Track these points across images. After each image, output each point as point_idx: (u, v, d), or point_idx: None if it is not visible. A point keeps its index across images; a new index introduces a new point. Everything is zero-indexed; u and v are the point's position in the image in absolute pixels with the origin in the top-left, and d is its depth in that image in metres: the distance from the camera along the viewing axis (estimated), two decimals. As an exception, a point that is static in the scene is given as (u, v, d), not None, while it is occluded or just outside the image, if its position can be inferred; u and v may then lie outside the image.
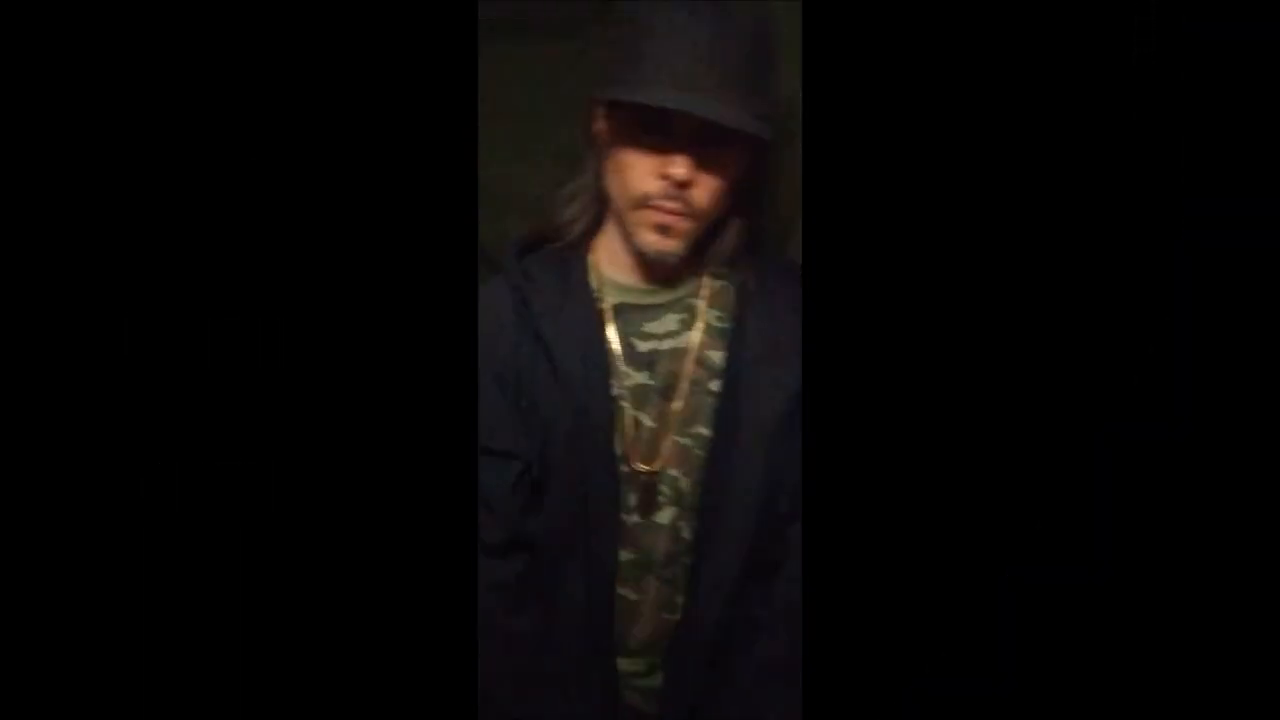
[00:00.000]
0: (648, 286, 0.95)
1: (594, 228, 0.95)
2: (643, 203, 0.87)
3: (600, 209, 0.94)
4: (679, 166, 0.85)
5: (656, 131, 0.85)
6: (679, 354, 0.93)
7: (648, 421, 0.91)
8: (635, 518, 0.91)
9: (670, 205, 0.87)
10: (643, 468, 0.91)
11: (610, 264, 0.95)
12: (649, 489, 0.91)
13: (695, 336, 0.93)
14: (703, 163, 0.86)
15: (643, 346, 0.93)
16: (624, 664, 0.93)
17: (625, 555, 0.91)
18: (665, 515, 0.92)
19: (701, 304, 0.94)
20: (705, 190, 0.87)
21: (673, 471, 0.91)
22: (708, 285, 0.95)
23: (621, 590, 0.91)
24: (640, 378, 0.92)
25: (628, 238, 0.91)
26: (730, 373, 0.92)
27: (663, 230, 0.88)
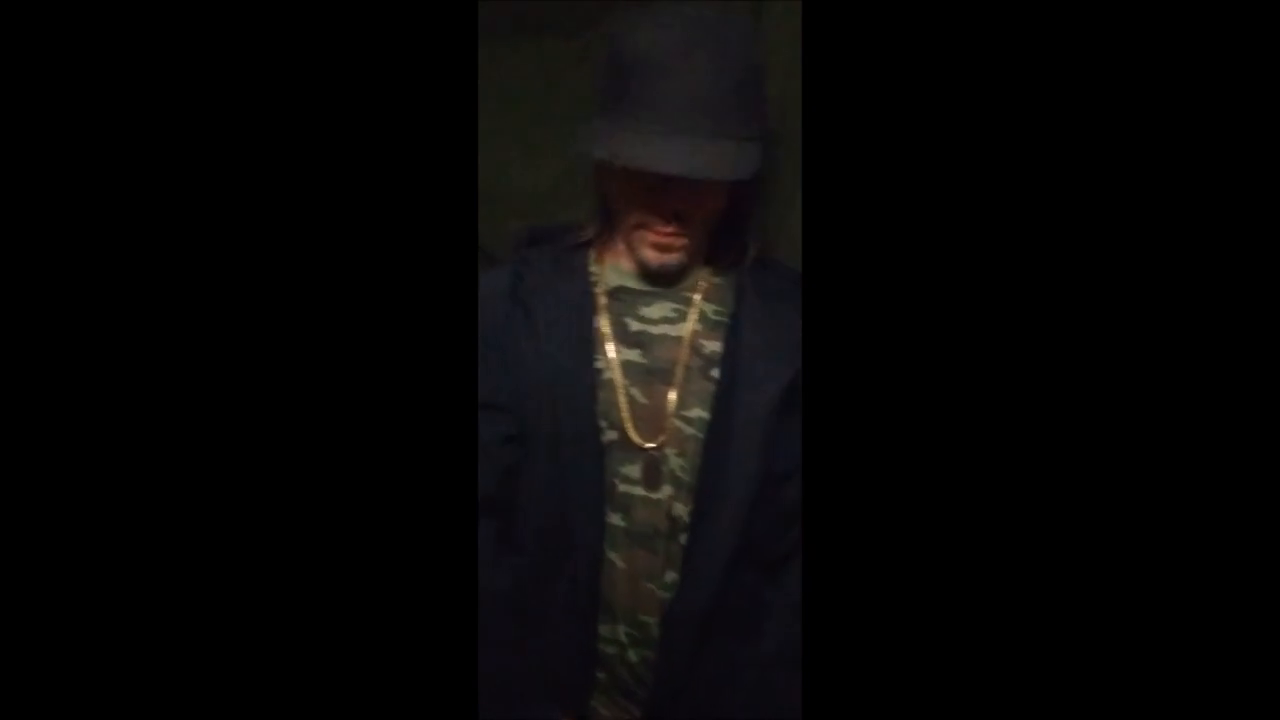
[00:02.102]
0: (646, 285, 1.00)
1: (600, 234, 1.01)
2: (641, 227, 0.93)
3: (604, 222, 1.00)
4: (675, 205, 0.90)
5: (648, 175, 0.88)
6: (674, 341, 0.97)
7: (641, 399, 0.95)
8: (637, 489, 0.95)
9: (666, 230, 0.93)
10: (647, 444, 0.94)
11: (612, 258, 0.99)
12: (653, 464, 0.95)
13: (690, 325, 0.98)
14: (694, 193, 0.91)
15: (635, 326, 0.97)
16: (604, 629, 0.95)
17: (615, 521, 0.94)
18: (662, 491, 0.94)
19: (697, 297, 0.99)
20: (700, 214, 0.93)
21: (670, 451, 0.94)
22: (705, 281, 0.99)
23: (610, 555, 0.94)
24: (632, 355, 0.96)
25: (629, 248, 0.97)
26: (727, 362, 0.96)
27: (662, 249, 0.94)
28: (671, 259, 0.95)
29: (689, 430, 0.95)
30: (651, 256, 0.95)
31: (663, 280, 0.99)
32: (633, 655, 0.94)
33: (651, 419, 0.95)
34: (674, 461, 0.95)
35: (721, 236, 0.99)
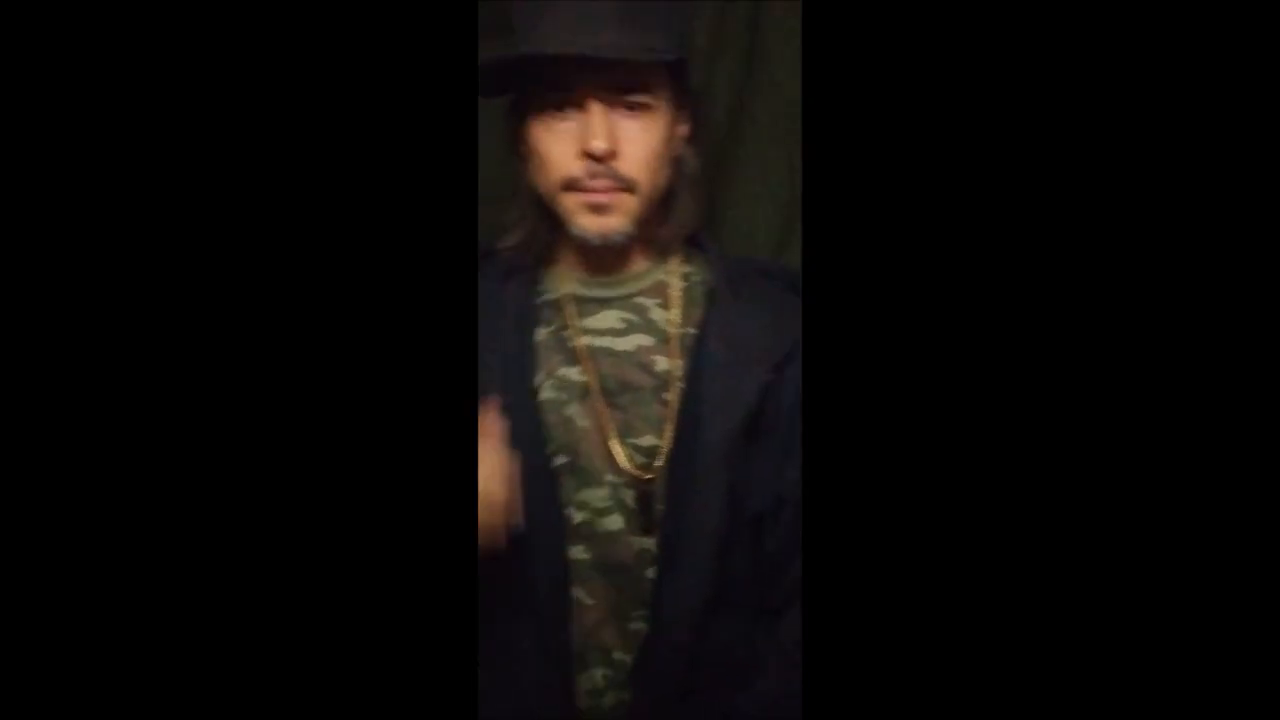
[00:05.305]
0: (600, 279, 0.90)
1: (549, 242, 0.91)
2: (570, 186, 0.84)
3: (546, 218, 0.89)
4: (596, 138, 0.81)
5: (566, 104, 0.82)
6: (617, 357, 0.89)
7: (580, 421, 0.87)
8: (601, 521, 0.87)
9: (599, 184, 0.83)
10: (613, 474, 0.87)
11: (565, 263, 0.91)
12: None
13: (636, 339, 0.89)
14: (622, 129, 0.83)
15: (577, 341, 0.89)
16: (579, 678, 0.87)
17: (579, 554, 0.87)
18: (614, 522, 0.87)
19: (653, 304, 0.90)
20: (632, 158, 0.83)
21: (618, 480, 0.88)
22: (662, 282, 0.91)
23: (575, 592, 0.87)
24: (571, 372, 0.88)
25: (566, 229, 0.86)
26: (689, 384, 0.87)
27: (597, 209, 0.84)
28: (612, 224, 0.84)
29: (638, 459, 0.87)
30: (588, 223, 0.84)
31: (614, 263, 0.89)
32: (610, 699, 0.87)
33: (596, 444, 0.87)
34: (624, 492, 0.87)
35: (673, 212, 0.89)
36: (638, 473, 0.86)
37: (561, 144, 0.83)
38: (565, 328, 0.89)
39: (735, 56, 1.19)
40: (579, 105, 0.82)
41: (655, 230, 0.89)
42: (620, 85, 0.82)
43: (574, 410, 0.88)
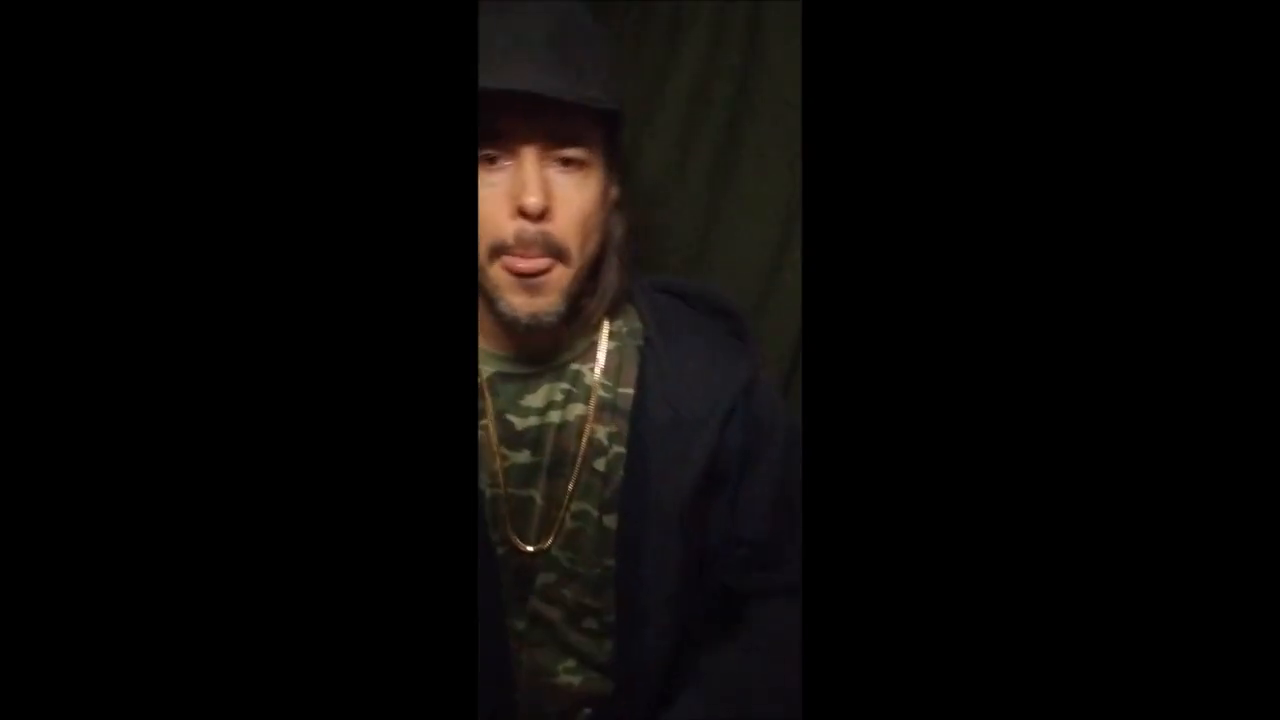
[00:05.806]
0: (526, 355, 0.87)
1: None
2: (501, 251, 0.78)
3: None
4: (531, 193, 0.75)
5: (497, 153, 0.77)
6: (559, 429, 0.87)
7: (539, 499, 0.87)
8: (534, 598, 0.89)
9: (530, 251, 0.77)
10: (525, 547, 0.87)
11: (484, 336, 0.86)
12: (528, 568, 0.88)
13: (577, 409, 0.87)
14: (556, 184, 0.78)
15: (520, 424, 0.86)
16: None
17: (520, 626, 0.89)
18: (561, 590, 0.89)
19: (588, 370, 0.88)
20: (565, 220, 0.78)
21: (564, 552, 0.88)
22: (601, 344, 0.88)
23: (520, 654, 0.90)
24: (520, 458, 0.87)
25: (491, 305, 0.81)
26: (632, 448, 0.86)
27: (530, 289, 0.79)
28: (545, 304, 0.79)
29: (576, 525, 0.87)
30: (520, 304, 0.79)
31: (541, 341, 0.85)
32: None
33: (546, 519, 0.87)
34: (559, 554, 0.87)
35: (602, 282, 0.85)
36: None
37: (491, 201, 0.77)
38: (508, 411, 0.86)
39: (735, 56, 1.19)
40: (510, 155, 0.77)
41: (581, 305, 0.85)
42: (554, 137, 0.77)
43: (511, 494, 0.87)
